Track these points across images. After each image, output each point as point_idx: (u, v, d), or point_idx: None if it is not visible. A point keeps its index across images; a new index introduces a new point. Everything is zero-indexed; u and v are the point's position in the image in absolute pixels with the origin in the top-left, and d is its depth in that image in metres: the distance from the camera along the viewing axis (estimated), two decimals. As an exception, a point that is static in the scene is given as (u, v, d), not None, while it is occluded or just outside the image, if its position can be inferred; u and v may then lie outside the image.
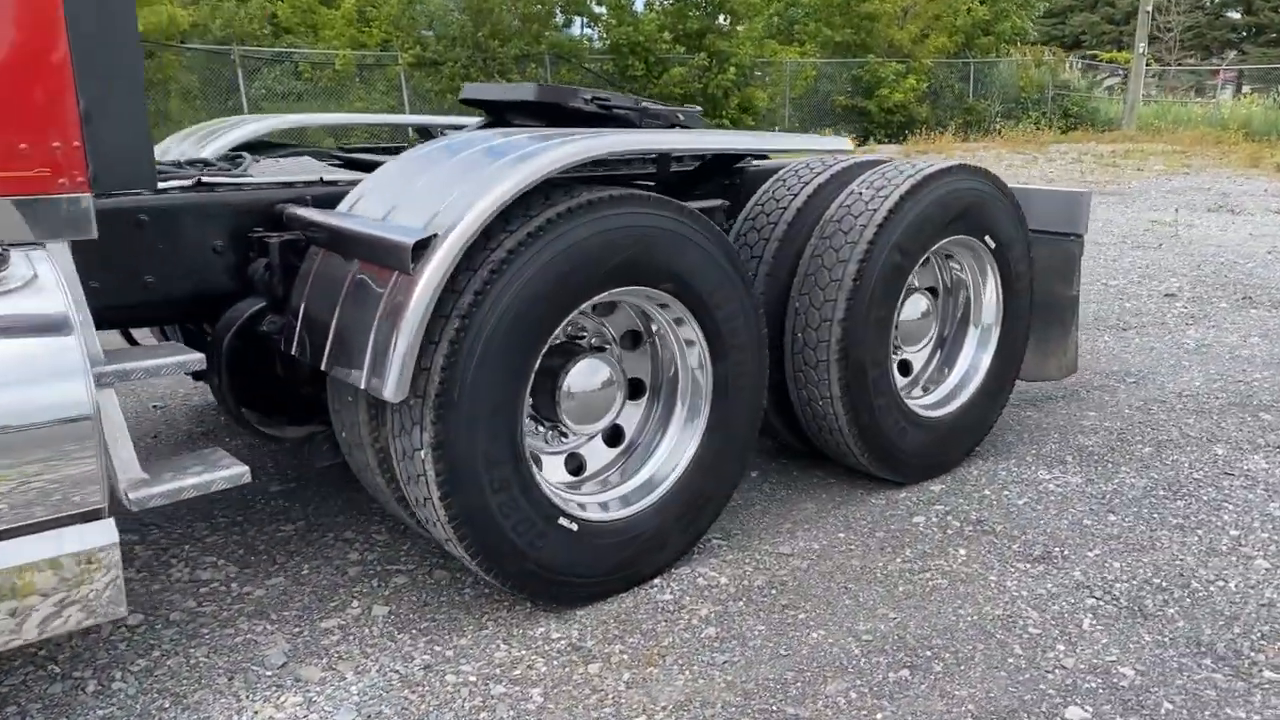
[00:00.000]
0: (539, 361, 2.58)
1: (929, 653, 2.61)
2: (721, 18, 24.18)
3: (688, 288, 2.82)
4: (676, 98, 23.17)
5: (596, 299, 2.68)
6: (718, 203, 3.76)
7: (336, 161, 3.83)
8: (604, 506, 2.90)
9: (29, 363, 2.05)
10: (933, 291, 3.92)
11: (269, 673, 2.53)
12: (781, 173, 3.71)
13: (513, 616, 2.77)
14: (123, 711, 2.38)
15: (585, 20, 24.04)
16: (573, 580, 2.74)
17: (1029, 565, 3.08)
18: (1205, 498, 3.56)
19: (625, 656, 2.59)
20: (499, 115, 4.19)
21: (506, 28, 21.49)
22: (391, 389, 2.32)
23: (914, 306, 3.66)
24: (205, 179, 2.81)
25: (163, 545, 3.22)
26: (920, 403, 3.75)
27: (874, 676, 2.52)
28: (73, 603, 2.05)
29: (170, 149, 4.27)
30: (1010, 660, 2.58)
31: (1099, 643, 2.66)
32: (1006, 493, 3.62)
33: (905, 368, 3.91)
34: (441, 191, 2.49)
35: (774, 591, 2.91)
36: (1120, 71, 32.19)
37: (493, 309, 2.41)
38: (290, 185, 2.96)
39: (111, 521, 2.12)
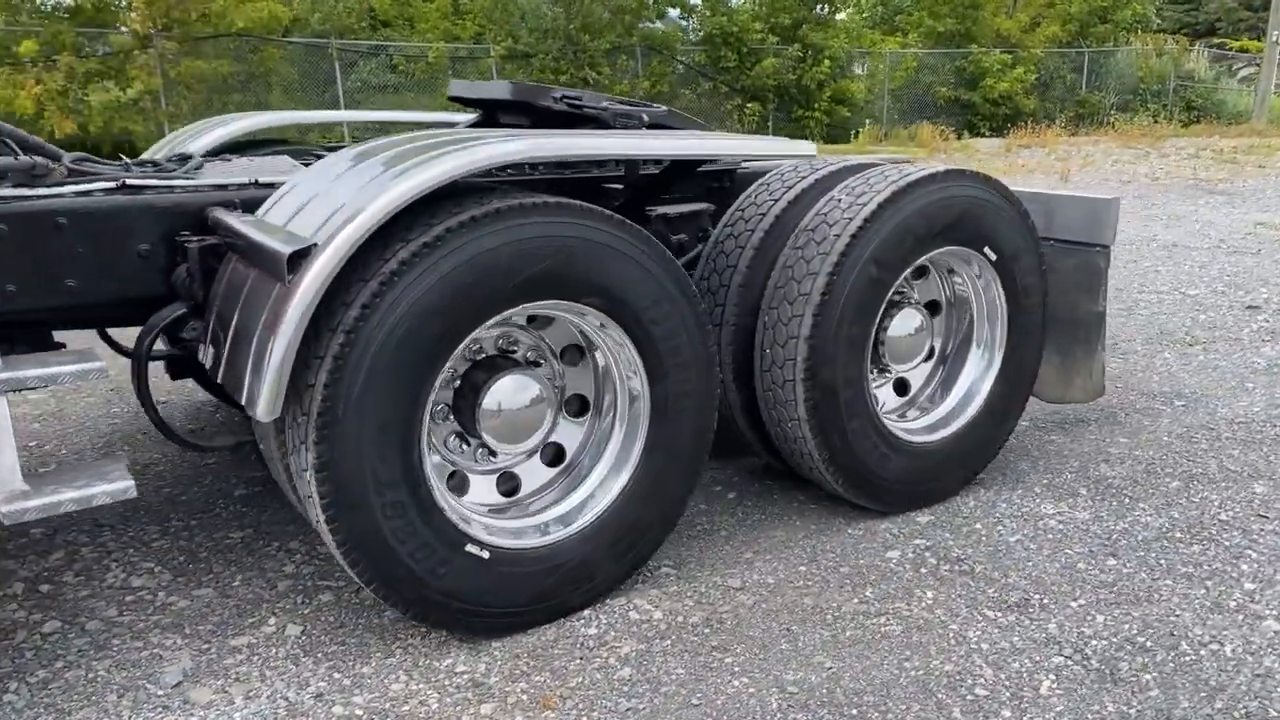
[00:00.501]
0: (439, 379, 2.43)
1: (855, 712, 2.37)
2: (819, 7, 23.63)
3: (619, 303, 2.63)
4: (769, 90, 22.81)
5: (510, 313, 2.51)
6: (702, 207, 3.57)
7: (311, 160, 3.76)
8: (542, 530, 2.74)
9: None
10: (934, 306, 3.63)
11: (160, 692, 2.46)
12: (768, 176, 3.48)
13: (425, 645, 2.64)
14: (5, 726, 2.34)
15: (680, 12, 23.82)
16: (484, 611, 2.59)
17: (1000, 614, 2.79)
18: (1227, 543, 3.19)
19: (524, 697, 2.43)
20: (490, 112, 4.06)
21: (597, 20, 21.44)
22: (263, 407, 2.21)
23: (905, 322, 3.39)
24: (130, 181, 2.76)
25: (109, 548, 3.20)
26: (909, 426, 3.47)
27: (786, 736, 2.30)
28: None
29: (175, 145, 4.29)
30: (944, 726, 2.32)
31: (1052, 710, 2.37)
32: (1000, 528, 3.31)
33: (902, 387, 3.64)
34: (339, 197, 2.37)
35: (708, 630, 2.71)
36: (1256, 61, 30.22)
37: (381, 323, 2.27)
38: (224, 187, 2.88)
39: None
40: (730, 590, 2.92)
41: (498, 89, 3.65)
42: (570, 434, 2.91)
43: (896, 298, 3.47)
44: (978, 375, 3.57)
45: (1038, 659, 2.57)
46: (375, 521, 2.37)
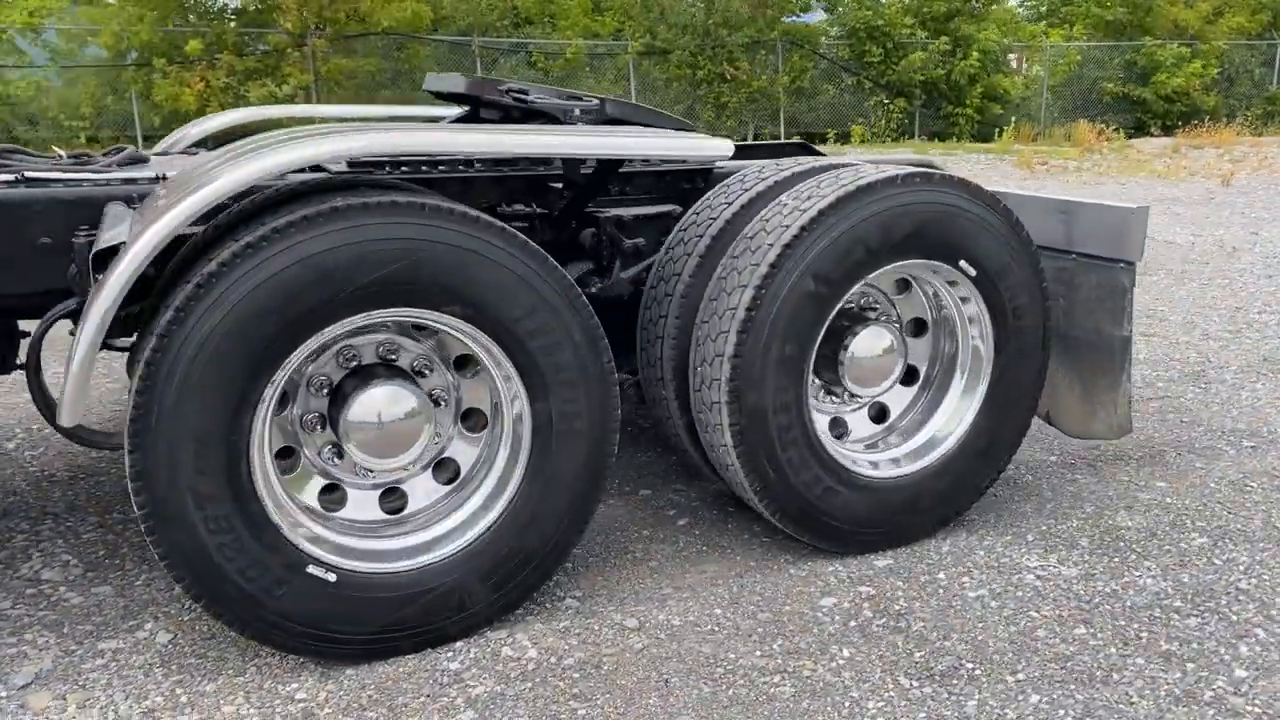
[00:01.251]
0: (270, 388, 2.28)
1: (691, 787, 2.09)
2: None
3: (483, 312, 2.42)
4: (916, 85, 21.90)
5: (355, 320, 2.34)
6: (665, 210, 3.32)
7: None
8: (410, 553, 2.57)
9: None
10: (919, 325, 3.25)
11: (3, 694, 2.42)
12: (732, 178, 3.20)
13: (282, 665, 2.51)
14: None
15: (824, 4, 23.18)
16: (334, 636, 2.43)
17: (915, 683, 2.43)
18: (1234, 617, 2.70)
19: (347, 733, 2.26)
20: (475, 106, 3.91)
21: (737, 14, 21.10)
22: (65, 412, 2.12)
23: (872, 341, 3.02)
24: (30, 174, 2.74)
25: (41, 537, 3.23)
26: (874, 458, 3.11)
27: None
28: None
29: (179, 140, 4.35)
30: (790, 814, 2.01)
31: (922, 810, 2.02)
32: (965, 580, 2.92)
33: (881, 413, 3.28)
34: (168, 195, 2.26)
35: (578, 675, 2.47)
36: None
37: (196, 328, 2.15)
38: (133, 182, 2.83)
39: None
40: (625, 630, 2.66)
41: (452, 82, 3.50)
42: (465, 450, 2.72)
43: (865, 313, 3.13)
44: (958, 404, 3.17)
45: (936, 743, 2.22)
46: (199, 537, 2.25)
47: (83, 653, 2.59)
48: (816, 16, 23.65)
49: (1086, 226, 3.34)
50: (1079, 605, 2.77)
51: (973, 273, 2.99)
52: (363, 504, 2.65)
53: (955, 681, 2.43)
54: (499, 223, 2.42)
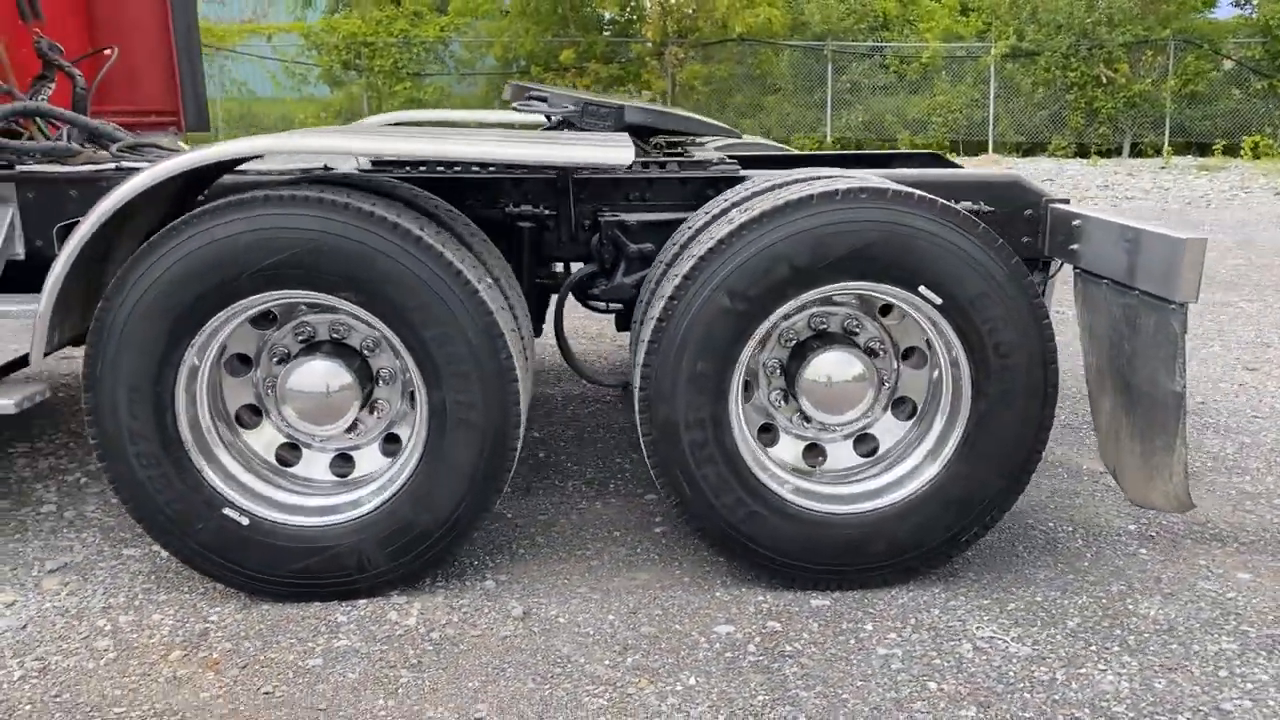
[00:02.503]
0: (189, 349, 2.65)
1: (428, 766, 2.17)
2: None
3: (376, 300, 2.63)
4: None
5: (264, 299, 2.66)
6: (679, 216, 3.35)
7: None
8: (321, 511, 2.85)
9: None
10: (918, 355, 2.97)
11: (34, 572, 3.05)
12: (735, 187, 3.15)
13: (223, 592, 2.89)
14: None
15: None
16: (244, 572, 2.78)
17: (729, 726, 2.29)
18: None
19: (206, 652, 2.59)
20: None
21: (1122, 11, 19.12)
22: (32, 353, 2.66)
23: (836, 366, 2.83)
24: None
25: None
26: (814, 487, 2.90)
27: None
28: None
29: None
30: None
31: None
32: (892, 636, 2.65)
33: (869, 444, 3.04)
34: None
35: (430, 647, 2.61)
36: None
37: (129, 295, 2.58)
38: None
39: None
40: (508, 617, 2.75)
41: (509, 91, 3.70)
42: (406, 428, 2.95)
43: (846, 335, 2.93)
44: (934, 445, 2.86)
45: (690, 786, 2.10)
46: (132, 470, 2.70)
47: (106, 555, 3.17)
48: (1227, 13, 20.79)
49: (1145, 257, 2.85)
50: (992, 687, 2.42)
51: (937, 301, 2.69)
52: (314, 465, 2.98)
53: (771, 733, 2.27)
54: (396, 219, 2.62)
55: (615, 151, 2.72)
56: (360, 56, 21.51)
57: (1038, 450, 2.81)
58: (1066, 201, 3.39)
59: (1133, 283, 2.90)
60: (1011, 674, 2.48)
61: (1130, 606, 2.79)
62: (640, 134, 3.51)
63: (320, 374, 2.79)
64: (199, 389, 2.77)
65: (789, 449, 2.98)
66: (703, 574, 3.00)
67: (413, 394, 2.88)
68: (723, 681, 2.46)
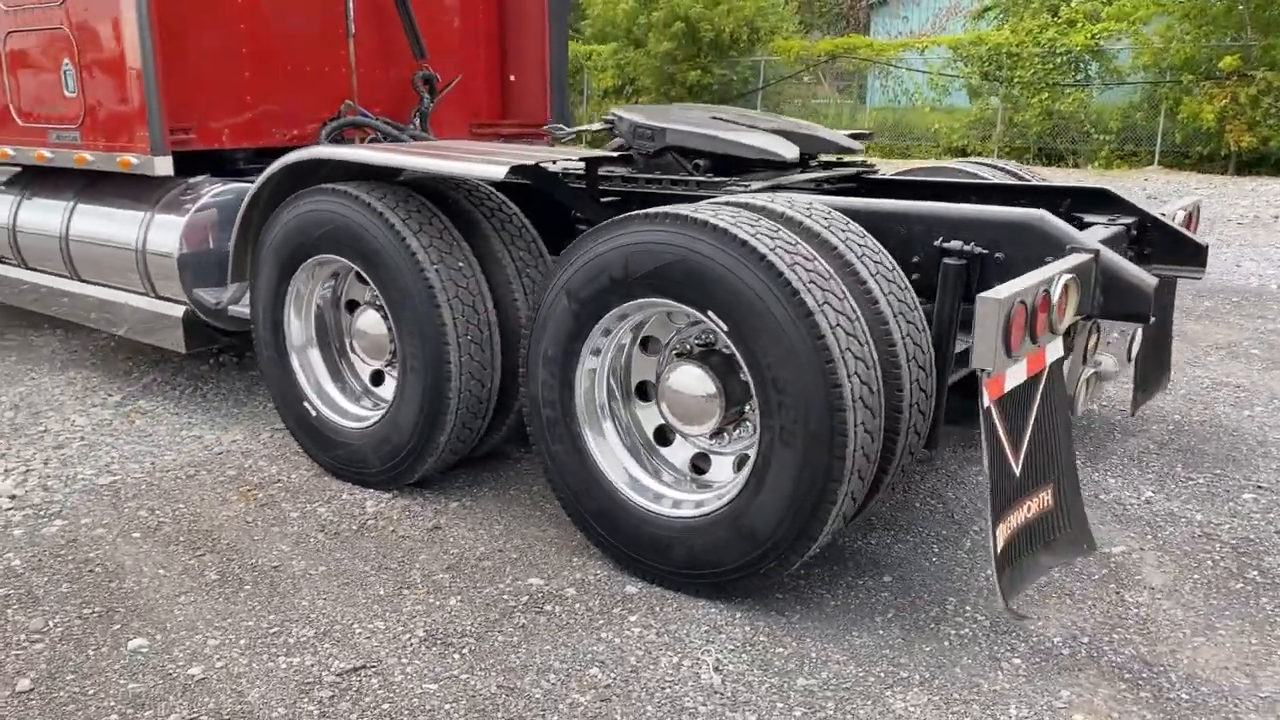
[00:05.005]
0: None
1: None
2: None
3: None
4: None
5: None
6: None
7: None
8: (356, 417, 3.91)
9: None
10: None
11: (115, 399, 4.62)
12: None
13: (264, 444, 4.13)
14: None
15: None
16: (308, 450, 3.99)
17: (333, 685, 2.84)
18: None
19: (255, 480, 3.83)
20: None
21: None
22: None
23: (683, 378, 3.02)
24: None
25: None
26: (650, 485, 3.13)
27: None
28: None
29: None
30: None
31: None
32: (632, 619, 2.85)
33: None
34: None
35: (324, 525, 3.52)
36: None
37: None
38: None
39: None
40: (423, 528, 3.53)
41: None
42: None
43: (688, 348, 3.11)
44: (731, 470, 2.89)
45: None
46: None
47: (178, 380, 4.63)
48: None
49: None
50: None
51: (724, 327, 2.75)
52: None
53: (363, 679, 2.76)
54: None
55: (488, 169, 3.26)
56: (1001, 68, 21.38)
57: (829, 500, 2.68)
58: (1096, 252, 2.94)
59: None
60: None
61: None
62: (687, 155, 3.84)
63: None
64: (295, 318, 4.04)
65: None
66: (563, 535, 3.43)
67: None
68: (489, 611, 2.97)
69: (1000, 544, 2.57)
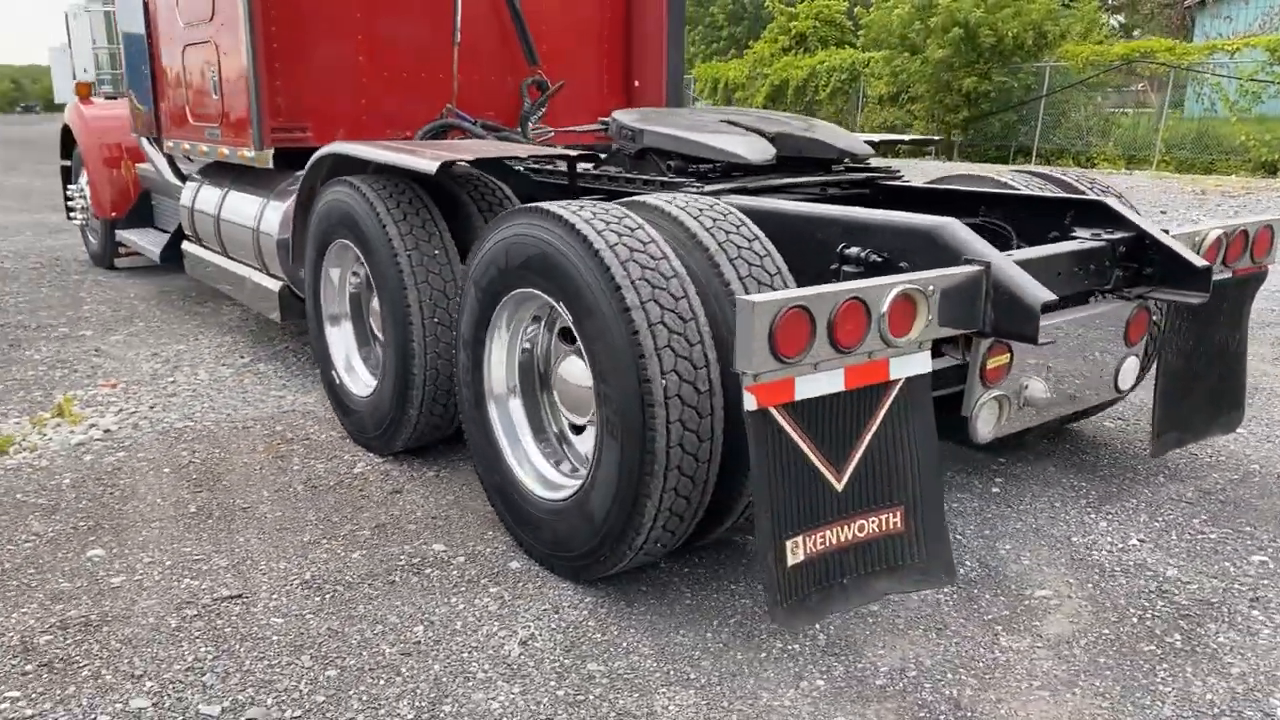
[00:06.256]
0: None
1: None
2: None
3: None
4: None
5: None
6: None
7: None
8: (364, 388, 4.33)
9: None
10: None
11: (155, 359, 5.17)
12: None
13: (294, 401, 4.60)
14: None
15: None
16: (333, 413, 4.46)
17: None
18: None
19: (270, 436, 4.33)
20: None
21: None
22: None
23: (569, 367, 3.15)
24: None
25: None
26: (539, 467, 3.27)
27: None
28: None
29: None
30: None
31: (163, 576, 3.16)
32: (492, 590, 3.01)
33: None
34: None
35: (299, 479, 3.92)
36: None
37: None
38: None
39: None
40: (386, 490, 3.87)
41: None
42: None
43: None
44: (584, 458, 2.95)
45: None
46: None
47: (301, 349, 5.12)
48: None
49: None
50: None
51: (570, 317, 2.85)
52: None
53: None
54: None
55: (422, 162, 3.50)
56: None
57: (645, 493, 2.70)
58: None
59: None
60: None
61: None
62: (664, 155, 3.89)
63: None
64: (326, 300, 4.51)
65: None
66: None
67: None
68: (377, 567, 3.26)
69: (798, 557, 2.48)
